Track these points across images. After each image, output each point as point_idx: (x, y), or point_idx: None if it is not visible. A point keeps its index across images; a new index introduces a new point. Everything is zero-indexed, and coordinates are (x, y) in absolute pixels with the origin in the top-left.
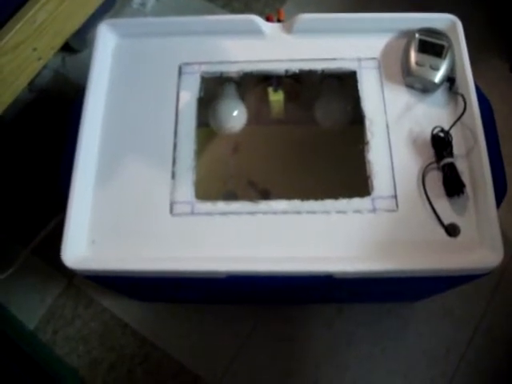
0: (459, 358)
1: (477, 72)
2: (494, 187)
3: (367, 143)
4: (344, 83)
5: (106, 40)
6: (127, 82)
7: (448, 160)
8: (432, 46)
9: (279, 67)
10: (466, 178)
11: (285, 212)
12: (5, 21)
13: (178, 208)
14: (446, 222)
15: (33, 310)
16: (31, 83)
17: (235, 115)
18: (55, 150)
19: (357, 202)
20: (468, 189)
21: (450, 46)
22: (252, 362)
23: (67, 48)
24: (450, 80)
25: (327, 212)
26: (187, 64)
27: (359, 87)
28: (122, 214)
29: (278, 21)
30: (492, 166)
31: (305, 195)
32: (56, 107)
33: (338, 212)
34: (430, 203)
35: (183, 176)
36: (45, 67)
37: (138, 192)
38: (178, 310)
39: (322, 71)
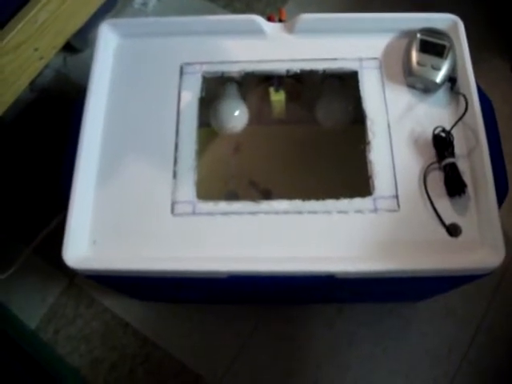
0: (461, 358)
1: (478, 72)
2: (496, 187)
3: (368, 143)
4: (345, 83)
5: (108, 40)
6: (128, 81)
7: (449, 160)
8: (433, 45)
9: (280, 67)
10: (467, 177)
11: (286, 212)
12: (6, 20)
13: (179, 208)
14: (448, 222)
15: (34, 309)
16: (32, 83)
17: (236, 115)
18: (56, 150)
19: (358, 202)
20: (469, 189)
21: (452, 45)
22: (253, 361)
23: (69, 48)
24: (452, 80)
25: (328, 212)
26: (189, 64)
27: (360, 87)
28: (124, 214)
29: (280, 21)
30: (493, 165)
31: (306, 195)
32: (57, 107)
33: (340, 212)
34: (432, 203)
35: (184, 176)
36: (46, 67)
37: (140, 192)
38: (179, 310)
39: (324, 71)
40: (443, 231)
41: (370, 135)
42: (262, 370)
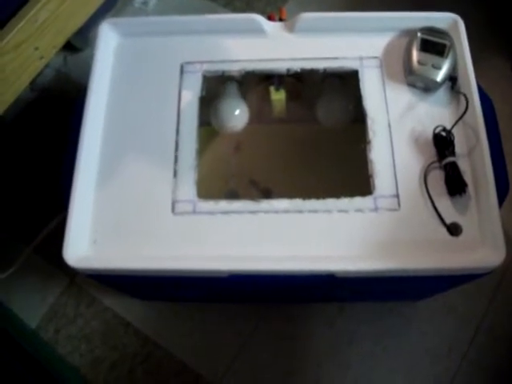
0: (461, 357)
1: (478, 71)
2: (496, 186)
3: (369, 142)
4: (346, 82)
5: (108, 39)
6: (129, 81)
7: (450, 159)
8: (434, 44)
9: (281, 66)
10: (467, 177)
11: (286, 211)
12: (6, 20)
13: (179, 207)
14: (448, 221)
15: (34, 308)
16: (33, 82)
17: (237, 114)
18: (57, 149)
19: (359, 201)
20: (470, 188)
21: (452, 44)
22: (254, 360)
23: (69, 47)
24: (452, 79)
25: (329, 211)
26: (189, 63)
27: (361, 86)
28: (124, 213)
29: (280, 20)
30: (494, 165)
31: (306, 194)
32: (58, 106)
33: (340, 211)
34: (432, 202)
35: (185, 175)
36: (46, 66)
37: (140, 191)
38: (180, 309)
39: (324, 70)
40: (444, 230)
41: (371, 134)
42: (262, 369)
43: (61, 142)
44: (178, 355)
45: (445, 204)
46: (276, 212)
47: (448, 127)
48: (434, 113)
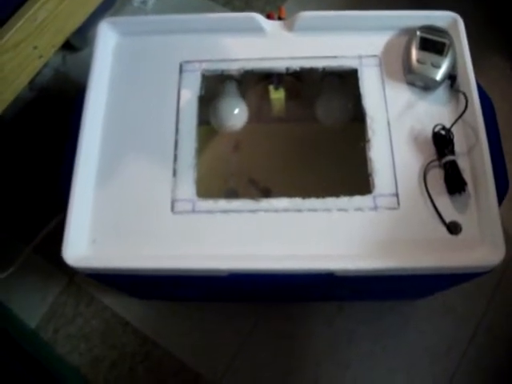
0: (460, 356)
1: (478, 70)
2: (496, 185)
3: (368, 141)
4: (345, 81)
5: (107, 38)
6: (128, 80)
7: (449, 158)
8: (433, 43)
9: (280, 65)
10: (467, 175)
11: (286, 210)
12: (5, 19)
13: (179, 206)
14: (448, 219)
15: (34, 308)
16: (32, 82)
17: (236, 113)
18: (56, 149)
19: (358, 199)
20: (469, 186)
21: (452, 43)
22: (253, 359)
23: (68, 46)
24: (452, 78)
25: (328, 210)
26: (188, 62)
27: (360, 85)
28: (123, 212)
29: (279, 19)
30: (493, 163)
31: (306, 193)
32: (57, 106)
33: (339, 210)
34: (432, 201)
35: (184, 174)
36: (45, 65)
37: (139, 190)
38: (179, 308)
39: (323, 69)
40: (443, 229)
41: (370, 133)
42: (261, 368)
43: (60, 141)
44: (177, 354)
45: (444, 203)
46: (275, 211)
47: (447, 126)
48: (433, 111)
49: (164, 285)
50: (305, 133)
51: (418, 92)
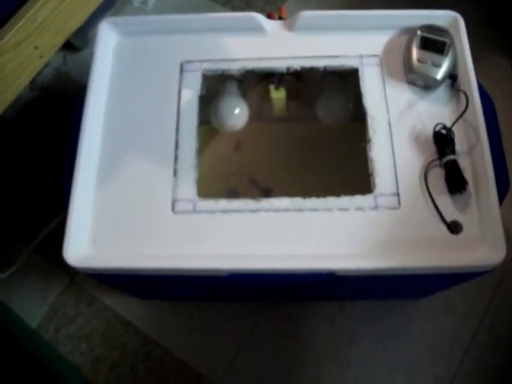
0: (462, 355)
1: (478, 69)
2: (497, 184)
3: (369, 140)
4: (346, 80)
5: (108, 38)
6: (129, 80)
7: (450, 157)
8: (434, 42)
9: (281, 65)
10: (468, 175)
11: (287, 209)
12: (6, 19)
13: (179, 206)
14: (449, 219)
15: (35, 308)
16: (33, 81)
17: (237, 113)
18: (57, 149)
19: (359, 199)
20: (470, 186)
21: (452, 42)
22: (254, 359)
23: (69, 46)
24: (452, 77)
25: (329, 209)
26: (189, 62)
27: (361, 84)
28: (124, 212)
29: (280, 18)
30: (494, 163)
31: (307, 193)
32: (57, 105)
33: (340, 209)
34: (433, 200)
35: (185, 174)
36: (46, 65)
37: (140, 190)
38: (180, 308)
39: (324, 68)
40: (444, 228)
41: (371, 132)
42: (263, 368)
43: (61, 141)
44: (178, 354)
45: (445, 202)
46: (276, 211)
47: (448, 125)
48: (434, 111)
49: (165, 285)
50: (305, 132)
51: (418, 91)
